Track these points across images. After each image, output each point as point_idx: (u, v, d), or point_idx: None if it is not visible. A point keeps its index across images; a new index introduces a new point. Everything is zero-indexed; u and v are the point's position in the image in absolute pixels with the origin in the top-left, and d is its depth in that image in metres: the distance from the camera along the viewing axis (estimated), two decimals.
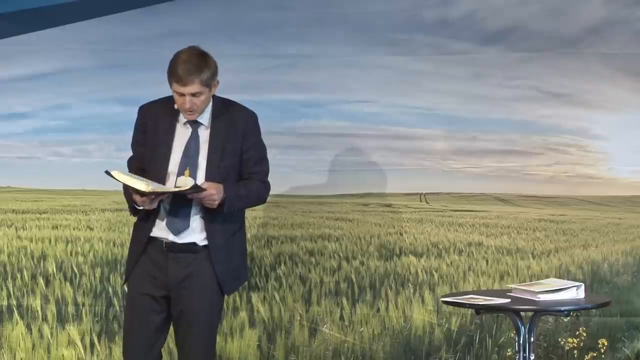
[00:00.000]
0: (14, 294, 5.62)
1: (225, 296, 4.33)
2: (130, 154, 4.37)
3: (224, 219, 4.20)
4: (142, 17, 5.58)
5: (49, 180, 5.77)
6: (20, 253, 5.70)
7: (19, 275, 5.65)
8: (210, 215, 4.18)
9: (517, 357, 4.25)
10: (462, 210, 5.64)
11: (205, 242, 4.20)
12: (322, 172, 5.60)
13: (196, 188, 4.06)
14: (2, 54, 5.63)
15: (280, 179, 5.44)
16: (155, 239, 4.22)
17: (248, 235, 5.51)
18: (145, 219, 4.23)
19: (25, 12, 5.56)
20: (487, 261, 5.52)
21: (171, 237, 4.19)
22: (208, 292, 4.22)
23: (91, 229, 5.75)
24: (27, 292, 5.62)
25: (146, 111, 4.32)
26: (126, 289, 4.41)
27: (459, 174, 5.57)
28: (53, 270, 5.65)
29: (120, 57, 5.61)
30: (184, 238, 4.20)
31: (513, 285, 4.45)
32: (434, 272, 5.53)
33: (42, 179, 5.77)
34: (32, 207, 5.82)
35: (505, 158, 5.51)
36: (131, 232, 4.35)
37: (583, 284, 4.36)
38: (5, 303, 5.60)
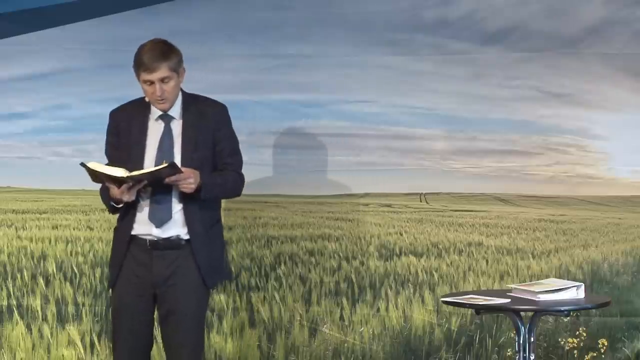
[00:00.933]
0: (14, 294, 5.62)
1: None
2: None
3: (203, 208, 4.21)
4: (142, 17, 5.57)
5: (49, 180, 5.77)
6: (20, 253, 5.69)
7: (19, 275, 5.64)
8: (189, 205, 4.19)
9: (517, 357, 4.25)
10: (462, 210, 5.64)
11: (187, 237, 4.21)
12: (322, 172, 5.59)
13: (173, 167, 4.05)
14: (2, 54, 5.63)
15: (280, 179, 5.45)
16: (137, 237, 4.23)
17: (248, 235, 5.55)
18: (125, 216, 4.25)
19: (25, 12, 5.55)
20: (487, 261, 5.52)
21: (154, 232, 4.20)
22: (194, 288, 4.23)
23: (91, 229, 5.74)
24: (27, 292, 5.62)
25: (119, 113, 4.35)
26: (111, 293, 4.41)
27: (459, 174, 5.57)
28: (53, 270, 5.65)
29: (120, 57, 5.58)
30: (167, 231, 4.20)
31: (513, 285, 4.45)
32: (434, 272, 5.53)
33: (42, 179, 5.76)
34: (32, 207, 5.81)
35: (505, 158, 5.51)
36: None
37: (583, 284, 4.35)
38: (5, 303, 5.60)
